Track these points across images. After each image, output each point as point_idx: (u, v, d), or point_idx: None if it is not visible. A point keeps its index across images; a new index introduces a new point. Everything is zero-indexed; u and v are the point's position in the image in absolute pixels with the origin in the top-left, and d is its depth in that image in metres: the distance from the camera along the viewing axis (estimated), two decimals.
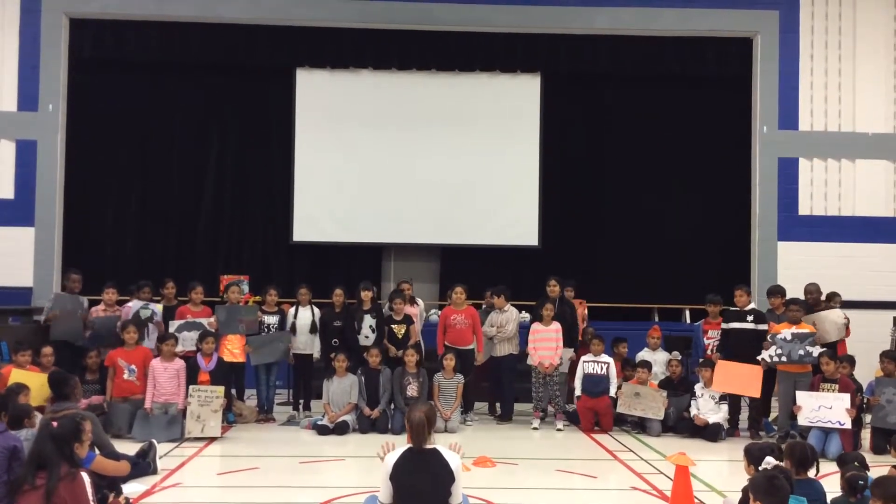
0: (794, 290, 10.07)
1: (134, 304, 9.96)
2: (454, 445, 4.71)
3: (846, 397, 8.61)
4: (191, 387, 8.82)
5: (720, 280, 11.24)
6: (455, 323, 10.07)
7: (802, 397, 8.79)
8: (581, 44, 13.76)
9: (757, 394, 9.28)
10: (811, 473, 5.20)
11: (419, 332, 10.45)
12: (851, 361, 9.40)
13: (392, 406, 9.61)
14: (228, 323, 9.84)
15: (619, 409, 9.61)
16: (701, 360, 9.84)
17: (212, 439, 8.70)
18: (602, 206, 14.11)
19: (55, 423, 4.85)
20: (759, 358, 9.30)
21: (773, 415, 9.82)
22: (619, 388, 9.72)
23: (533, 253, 13.72)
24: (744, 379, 9.24)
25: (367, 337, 9.99)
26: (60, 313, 9.87)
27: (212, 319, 9.85)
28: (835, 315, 9.71)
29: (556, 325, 9.93)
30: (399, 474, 4.44)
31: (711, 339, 10.00)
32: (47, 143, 13.03)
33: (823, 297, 10.21)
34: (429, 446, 4.52)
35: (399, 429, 9.33)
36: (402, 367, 9.60)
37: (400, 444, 4.66)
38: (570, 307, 10.45)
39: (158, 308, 10.01)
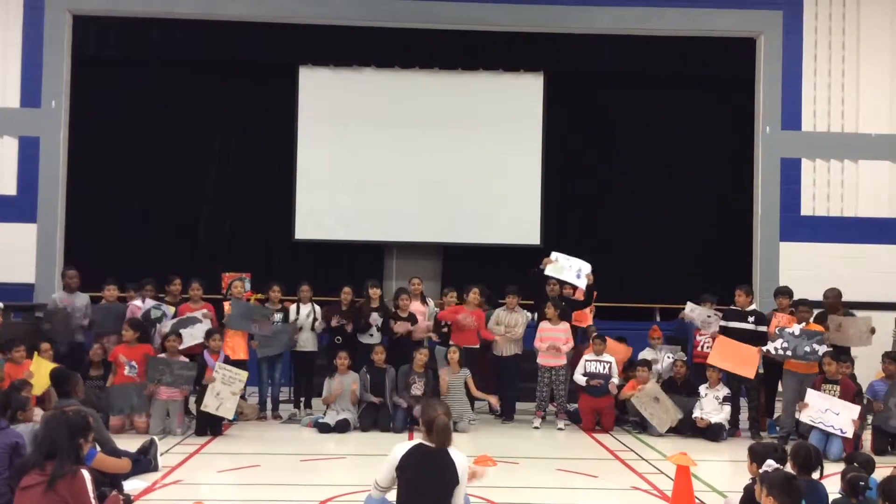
0: (797, 291, 10.05)
1: (145, 304, 9.91)
2: (477, 472, 4.79)
3: (856, 409, 8.51)
4: (217, 363, 8.87)
5: (722, 280, 11.23)
6: (465, 324, 10.06)
7: (813, 396, 8.68)
8: (584, 43, 13.75)
9: (751, 375, 9.30)
10: (815, 476, 5.20)
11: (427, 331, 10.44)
12: (851, 362, 9.38)
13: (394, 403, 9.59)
14: (242, 320, 9.75)
15: (632, 400, 9.50)
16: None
17: (213, 437, 8.72)
18: (604, 206, 14.09)
19: (69, 412, 4.84)
20: (763, 349, 9.30)
21: (776, 415, 9.81)
22: (617, 385, 9.71)
23: (535, 252, 13.68)
24: (741, 359, 9.26)
25: (371, 335, 10.01)
26: (53, 327, 9.83)
27: (206, 311, 9.82)
28: (862, 323, 9.51)
29: (565, 325, 9.94)
30: (405, 467, 4.48)
31: (704, 335, 10.08)
32: (50, 139, 13.02)
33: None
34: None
35: (401, 426, 9.34)
36: (410, 365, 9.58)
37: (401, 442, 4.68)
38: (570, 305, 10.44)
39: (171, 310, 9.93)
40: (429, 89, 13.84)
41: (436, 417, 4.54)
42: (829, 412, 8.55)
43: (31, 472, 4.54)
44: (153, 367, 8.91)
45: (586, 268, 10.23)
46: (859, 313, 9.95)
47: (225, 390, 8.75)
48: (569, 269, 10.24)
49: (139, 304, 9.95)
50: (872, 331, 9.49)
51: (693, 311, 10.12)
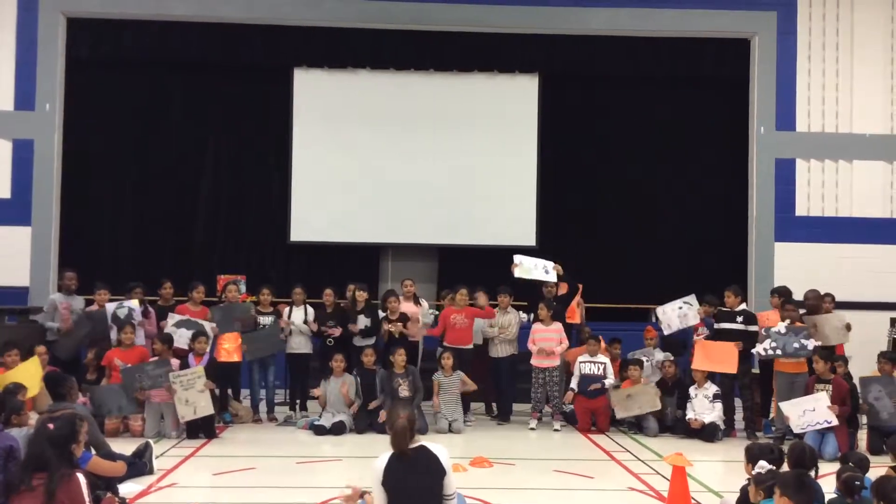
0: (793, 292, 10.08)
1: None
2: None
3: (823, 395, 8.60)
4: (170, 374, 8.76)
5: (717, 281, 11.20)
6: (455, 323, 10.08)
7: (786, 407, 8.75)
8: (579, 44, 13.77)
9: (734, 370, 9.36)
10: (811, 475, 5.20)
11: (420, 331, 10.42)
12: (845, 361, 9.41)
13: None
14: (224, 322, 9.84)
15: (618, 416, 9.61)
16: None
17: (208, 440, 8.71)
18: (599, 207, 14.10)
19: (51, 426, 4.82)
20: (753, 351, 9.34)
21: (772, 415, 9.82)
22: (613, 386, 9.72)
23: (530, 253, 13.65)
24: (722, 357, 9.37)
25: (362, 336, 9.99)
26: (75, 328, 9.75)
27: (213, 325, 9.80)
28: (835, 319, 9.62)
29: (558, 326, 9.94)
30: (390, 479, 4.41)
31: (700, 336, 10.05)
32: (44, 142, 12.98)
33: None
34: (414, 444, 4.49)
35: None
36: (391, 370, 9.50)
37: (375, 459, 4.58)
38: (559, 301, 10.43)
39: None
40: (423, 91, 13.84)
41: (395, 420, 4.49)
42: (806, 412, 8.61)
43: (20, 488, 4.53)
44: (129, 378, 8.82)
45: (549, 263, 10.48)
46: (848, 313, 9.95)
47: (191, 394, 8.69)
48: (535, 269, 10.45)
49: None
50: (848, 327, 9.54)
51: (664, 314, 10.20)
